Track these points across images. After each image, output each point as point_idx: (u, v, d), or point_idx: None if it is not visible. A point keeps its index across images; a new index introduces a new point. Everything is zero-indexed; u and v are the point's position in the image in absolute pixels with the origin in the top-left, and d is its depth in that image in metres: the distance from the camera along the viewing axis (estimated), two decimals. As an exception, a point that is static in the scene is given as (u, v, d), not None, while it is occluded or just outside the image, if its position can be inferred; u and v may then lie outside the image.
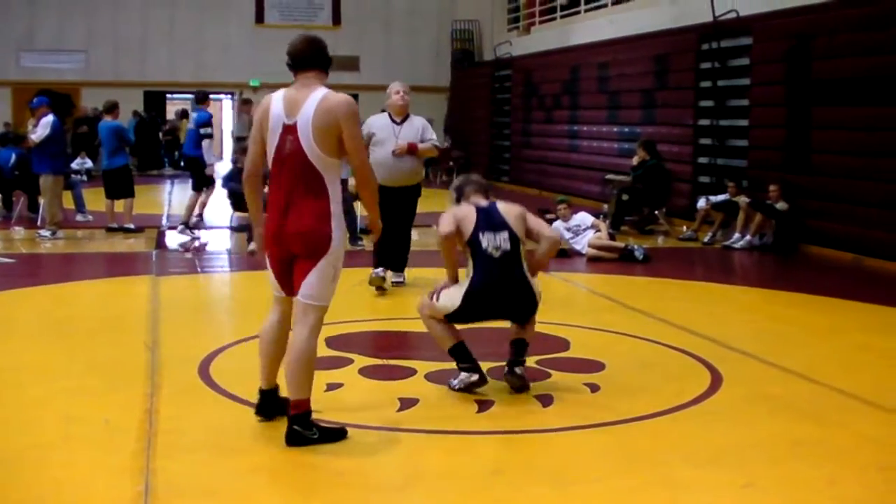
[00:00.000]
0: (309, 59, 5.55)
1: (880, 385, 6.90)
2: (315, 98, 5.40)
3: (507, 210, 6.65)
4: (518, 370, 6.49)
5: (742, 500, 4.83)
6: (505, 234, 6.45)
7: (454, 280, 6.54)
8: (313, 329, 5.43)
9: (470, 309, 6.41)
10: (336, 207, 5.40)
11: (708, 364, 7.34)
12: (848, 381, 6.89)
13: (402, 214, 10.19)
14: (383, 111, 10.42)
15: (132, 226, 15.17)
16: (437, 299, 6.49)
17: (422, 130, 10.22)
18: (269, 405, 5.79)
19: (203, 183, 15.53)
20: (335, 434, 5.48)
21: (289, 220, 5.40)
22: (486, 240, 6.42)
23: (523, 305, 6.50)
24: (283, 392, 5.59)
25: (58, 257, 13.29)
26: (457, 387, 6.46)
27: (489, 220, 6.52)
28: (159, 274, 11.46)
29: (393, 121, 10.14)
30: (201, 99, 16.48)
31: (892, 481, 5.08)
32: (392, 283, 10.46)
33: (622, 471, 5.16)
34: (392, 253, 10.34)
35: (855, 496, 4.89)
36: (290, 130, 5.40)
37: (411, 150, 10.07)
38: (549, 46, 24.02)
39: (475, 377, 6.41)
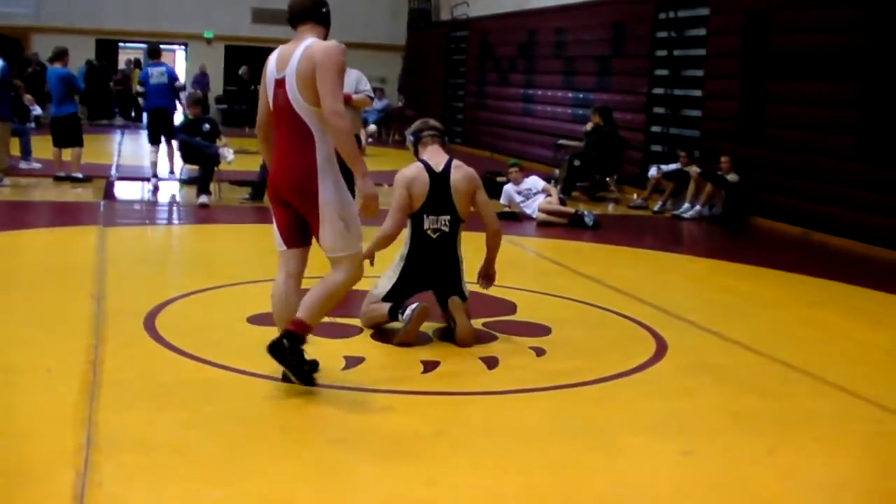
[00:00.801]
0: (304, 12, 5.58)
1: (822, 358, 6.99)
2: (300, 48, 5.40)
3: (458, 182, 6.92)
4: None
5: (681, 467, 4.87)
6: (447, 218, 6.87)
7: (370, 253, 6.73)
8: (350, 274, 5.48)
9: (404, 284, 6.89)
10: (324, 158, 5.39)
11: (653, 332, 7.40)
12: (790, 353, 6.97)
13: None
14: None
15: (80, 175, 14.99)
16: (375, 287, 6.96)
17: (356, 82, 10.50)
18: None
19: (159, 137, 15.34)
20: (306, 376, 5.49)
21: (281, 172, 5.48)
22: (429, 222, 6.85)
23: (449, 281, 6.90)
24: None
25: (3, 205, 13.07)
26: (404, 328, 6.59)
27: (437, 197, 6.83)
28: (107, 225, 11.35)
29: None
30: (155, 53, 16.18)
31: (830, 453, 5.15)
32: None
33: (564, 435, 5.19)
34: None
35: (791, 465, 4.95)
36: (279, 84, 5.44)
37: (346, 100, 10.19)
38: (507, 9, 23.87)
39: (417, 304, 6.63)
